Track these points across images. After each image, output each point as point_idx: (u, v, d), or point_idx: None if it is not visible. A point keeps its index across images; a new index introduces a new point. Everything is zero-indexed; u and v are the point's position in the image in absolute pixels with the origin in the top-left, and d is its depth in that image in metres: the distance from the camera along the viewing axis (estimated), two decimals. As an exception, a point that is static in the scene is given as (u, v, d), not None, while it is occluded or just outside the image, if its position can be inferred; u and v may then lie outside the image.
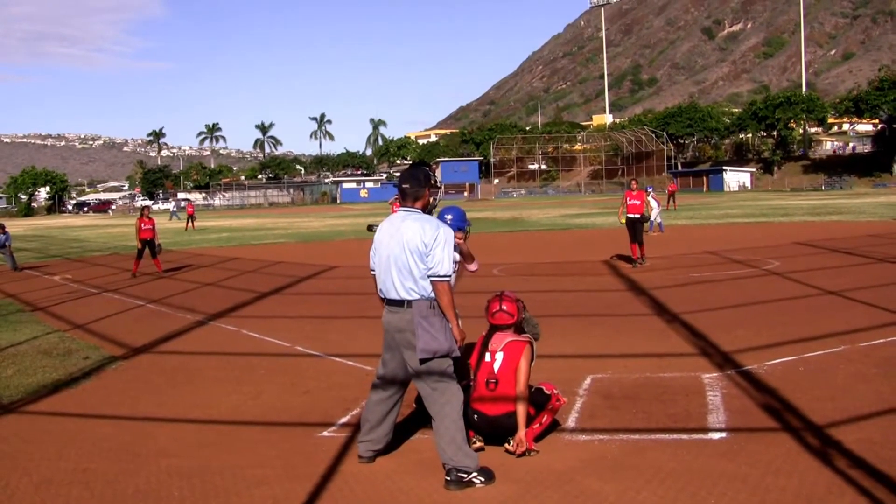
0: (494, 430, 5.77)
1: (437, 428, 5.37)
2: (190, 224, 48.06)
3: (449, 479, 5.20)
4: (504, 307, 6.04)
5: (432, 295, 5.43)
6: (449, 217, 7.72)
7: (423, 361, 5.39)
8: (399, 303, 5.50)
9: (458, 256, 6.94)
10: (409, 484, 5.30)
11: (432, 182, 5.78)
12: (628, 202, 18.85)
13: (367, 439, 5.74)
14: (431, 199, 5.77)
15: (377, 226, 5.99)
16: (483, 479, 5.19)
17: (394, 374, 5.71)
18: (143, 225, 20.65)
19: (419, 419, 6.31)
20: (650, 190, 28.91)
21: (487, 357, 5.99)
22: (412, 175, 5.71)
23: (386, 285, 5.59)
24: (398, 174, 6.53)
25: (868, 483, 4.88)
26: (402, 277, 5.46)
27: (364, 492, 5.18)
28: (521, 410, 5.75)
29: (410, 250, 5.42)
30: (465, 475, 5.18)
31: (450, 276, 5.47)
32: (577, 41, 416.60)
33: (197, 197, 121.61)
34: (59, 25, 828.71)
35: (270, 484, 5.37)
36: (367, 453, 5.72)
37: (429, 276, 5.40)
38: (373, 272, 5.78)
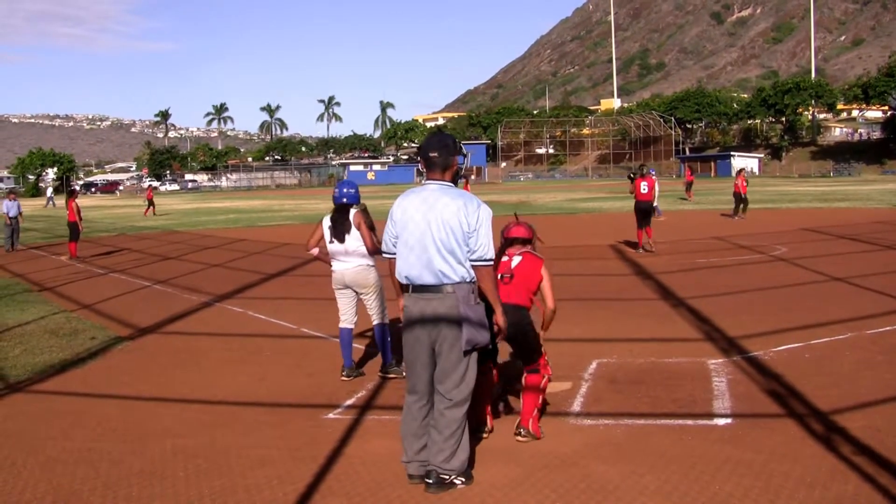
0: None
1: (438, 422, 4.97)
2: (151, 209, 46.70)
3: (430, 481, 4.90)
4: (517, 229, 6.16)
5: (472, 279, 4.96)
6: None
7: (465, 353, 4.92)
8: (435, 288, 4.93)
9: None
10: (413, 466, 5.30)
11: (459, 148, 5.25)
12: (640, 190, 18.26)
13: (416, 459, 5.07)
14: (459, 168, 5.26)
15: None
16: (464, 480, 4.96)
17: (422, 375, 5.05)
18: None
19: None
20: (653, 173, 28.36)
21: (504, 258, 6.03)
22: (441, 142, 5.15)
23: (416, 269, 4.96)
24: (421, 144, 5.81)
25: (872, 469, 4.88)
26: (441, 259, 4.89)
27: (369, 474, 5.19)
28: (549, 316, 5.96)
29: (452, 229, 4.88)
30: (447, 477, 4.91)
31: (493, 260, 5.01)
32: (586, 25, 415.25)
33: (203, 178, 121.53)
34: (63, 5, 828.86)
35: (275, 464, 5.39)
36: (419, 471, 5.04)
37: (472, 261, 4.92)
38: (387, 255, 5.22)
